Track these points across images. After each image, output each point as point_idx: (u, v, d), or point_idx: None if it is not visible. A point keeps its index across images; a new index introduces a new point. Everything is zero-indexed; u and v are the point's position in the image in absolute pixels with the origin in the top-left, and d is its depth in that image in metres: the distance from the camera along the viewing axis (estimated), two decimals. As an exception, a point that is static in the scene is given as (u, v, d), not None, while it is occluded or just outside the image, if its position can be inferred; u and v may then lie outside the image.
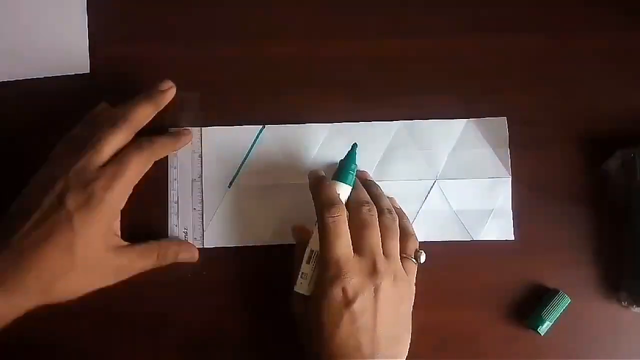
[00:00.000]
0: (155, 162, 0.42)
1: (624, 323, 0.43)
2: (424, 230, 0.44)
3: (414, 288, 0.39)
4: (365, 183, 0.42)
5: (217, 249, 0.44)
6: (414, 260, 0.40)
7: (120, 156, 0.39)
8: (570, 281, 0.43)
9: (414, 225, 0.43)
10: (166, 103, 0.42)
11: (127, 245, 0.40)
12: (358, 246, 0.37)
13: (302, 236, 0.41)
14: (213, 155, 0.45)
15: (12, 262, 0.36)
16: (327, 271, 0.36)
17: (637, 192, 0.42)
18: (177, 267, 0.43)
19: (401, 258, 0.39)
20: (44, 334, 0.42)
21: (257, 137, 0.45)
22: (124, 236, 0.41)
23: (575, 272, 0.43)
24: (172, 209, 0.44)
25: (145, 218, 0.44)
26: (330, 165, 0.44)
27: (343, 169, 0.40)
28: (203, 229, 0.44)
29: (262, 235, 0.44)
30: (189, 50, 0.46)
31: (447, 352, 0.43)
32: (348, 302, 0.36)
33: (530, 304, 0.43)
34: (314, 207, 0.39)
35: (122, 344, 0.43)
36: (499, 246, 0.44)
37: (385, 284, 0.37)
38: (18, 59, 0.46)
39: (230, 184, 0.44)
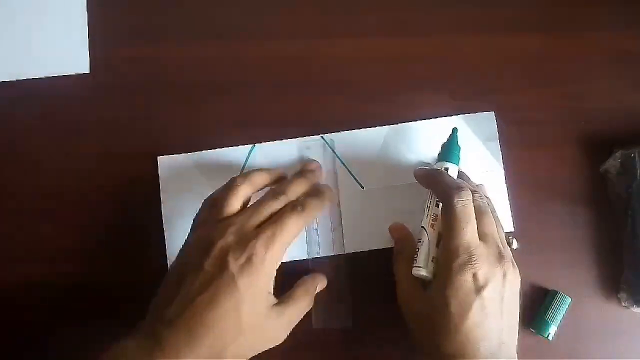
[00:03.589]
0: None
1: (624, 323, 0.43)
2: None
3: None
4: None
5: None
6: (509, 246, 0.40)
7: (276, 217, 0.37)
8: (570, 281, 0.43)
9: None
10: (317, 180, 0.42)
11: (281, 302, 0.38)
12: (480, 232, 0.37)
13: (403, 233, 0.42)
14: (204, 178, 0.44)
15: (185, 332, 0.34)
16: (456, 257, 0.35)
17: (637, 192, 0.42)
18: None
19: None
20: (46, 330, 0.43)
21: (248, 157, 0.45)
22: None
23: (575, 272, 0.43)
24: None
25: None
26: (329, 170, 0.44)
27: (450, 149, 0.40)
28: None
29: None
30: (189, 50, 0.46)
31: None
32: (479, 289, 0.35)
33: (529, 305, 0.43)
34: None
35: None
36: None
37: (510, 270, 0.36)
38: (18, 59, 0.46)
39: None
